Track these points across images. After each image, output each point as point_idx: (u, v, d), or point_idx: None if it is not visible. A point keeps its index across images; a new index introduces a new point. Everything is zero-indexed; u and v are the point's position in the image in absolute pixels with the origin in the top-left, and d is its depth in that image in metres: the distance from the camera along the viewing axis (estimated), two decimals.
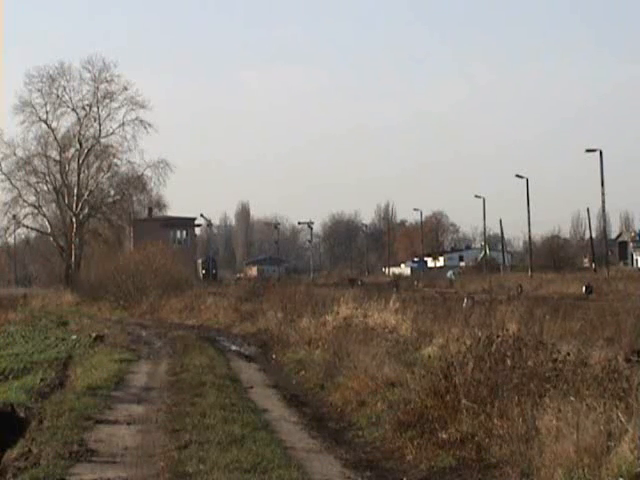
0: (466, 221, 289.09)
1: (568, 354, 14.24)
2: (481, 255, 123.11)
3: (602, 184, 75.45)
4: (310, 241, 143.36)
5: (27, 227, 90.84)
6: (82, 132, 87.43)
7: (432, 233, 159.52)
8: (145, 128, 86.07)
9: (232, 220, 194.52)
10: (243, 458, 12.24)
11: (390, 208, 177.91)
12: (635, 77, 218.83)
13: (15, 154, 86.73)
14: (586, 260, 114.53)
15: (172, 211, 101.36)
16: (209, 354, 26.89)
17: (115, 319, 48.80)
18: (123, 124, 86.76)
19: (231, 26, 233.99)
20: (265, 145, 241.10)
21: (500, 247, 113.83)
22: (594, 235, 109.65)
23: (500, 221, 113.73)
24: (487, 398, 13.51)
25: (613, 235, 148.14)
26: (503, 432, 12.32)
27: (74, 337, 33.37)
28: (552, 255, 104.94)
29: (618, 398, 11.72)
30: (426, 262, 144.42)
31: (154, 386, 20.62)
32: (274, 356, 27.13)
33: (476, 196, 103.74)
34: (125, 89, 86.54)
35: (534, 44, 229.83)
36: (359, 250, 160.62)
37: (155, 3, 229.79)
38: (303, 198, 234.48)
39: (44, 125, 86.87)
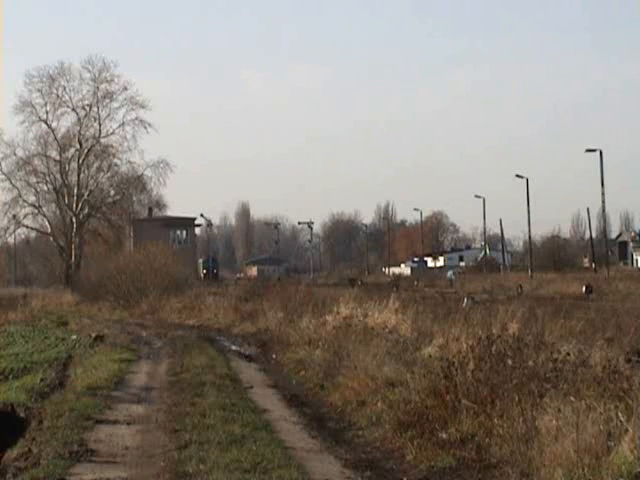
0: (466, 221, 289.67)
1: (568, 354, 14.25)
2: (481, 255, 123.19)
3: (602, 184, 75.55)
4: (310, 241, 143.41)
5: (27, 227, 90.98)
6: (82, 132, 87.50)
7: (432, 233, 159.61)
8: (145, 128, 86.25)
9: (232, 220, 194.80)
10: (243, 458, 12.24)
11: (390, 208, 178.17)
12: (636, 77, 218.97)
13: (15, 154, 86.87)
14: (586, 260, 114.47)
15: (172, 211, 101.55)
16: (209, 354, 26.89)
17: (115, 319, 48.79)
18: (123, 124, 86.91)
19: (231, 24, 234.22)
20: (265, 145, 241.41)
21: (500, 247, 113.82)
22: (594, 235, 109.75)
23: (500, 221, 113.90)
24: (487, 398, 13.51)
25: (613, 235, 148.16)
26: (503, 432, 12.31)
27: (74, 337, 33.37)
28: (552, 255, 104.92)
29: (618, 398, 11.72)
30: (426, 262, 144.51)
31: (154, 386, 20.62)
32: (274, 356, 27.12)
33: (476, 196, 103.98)
34: (125, 89, 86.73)
35: (535, 43, 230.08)
36: (359, 250, 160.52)
37: (155, 3, 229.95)
38: (303, 198, 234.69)
39: (44, 125, 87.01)
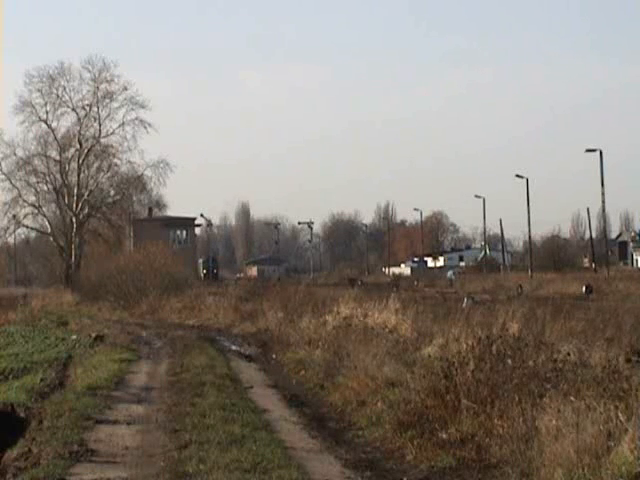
0: (466, 221, 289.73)
1: (568, 354, 14.25)
2: (481, 255, 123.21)
3: (602, 184, 75.52)
4: (310, 241, 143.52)
5: (27, 227, 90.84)
6: (82, 132, 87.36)
7: (432, 233, 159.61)
8: (145, 128, 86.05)
9: (232, 220, 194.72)
10: (243, 458, 12.23)
11: (390, 208, 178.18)
12: (636, 78, 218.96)
13: (15, 154, 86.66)
14: (586, 260, 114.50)
15: (172, 211, 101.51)
16: (209, 354, 26.89)
17: (115, 319, 48.78)
18: (123, 124, 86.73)
19: (230, 25, 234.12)
20: (265, 145, 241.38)
21: (500, 247, 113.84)
22: (594, 235, 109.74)
23: (500, 221, 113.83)
24: (487, 398, 13.51)
25: (613, 235, 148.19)
26: (503, 432, 12.32)
27: (74, 337, 33.36)
28: (552, 255, 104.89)
29: (618, 398, 11.71)
30: (426, 262, 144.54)
31: (154, 386, 20.62)
32: (274, 356, 27.12)
33: (476, 196, 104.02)
34: (125, 89, 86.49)
35: (534, 43, 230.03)
36: (359, 250, 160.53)
37: (154, 3, 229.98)
38: (303, 198, 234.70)
39: (44, 125, 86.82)
